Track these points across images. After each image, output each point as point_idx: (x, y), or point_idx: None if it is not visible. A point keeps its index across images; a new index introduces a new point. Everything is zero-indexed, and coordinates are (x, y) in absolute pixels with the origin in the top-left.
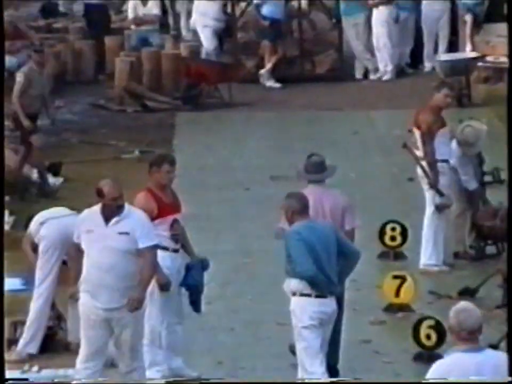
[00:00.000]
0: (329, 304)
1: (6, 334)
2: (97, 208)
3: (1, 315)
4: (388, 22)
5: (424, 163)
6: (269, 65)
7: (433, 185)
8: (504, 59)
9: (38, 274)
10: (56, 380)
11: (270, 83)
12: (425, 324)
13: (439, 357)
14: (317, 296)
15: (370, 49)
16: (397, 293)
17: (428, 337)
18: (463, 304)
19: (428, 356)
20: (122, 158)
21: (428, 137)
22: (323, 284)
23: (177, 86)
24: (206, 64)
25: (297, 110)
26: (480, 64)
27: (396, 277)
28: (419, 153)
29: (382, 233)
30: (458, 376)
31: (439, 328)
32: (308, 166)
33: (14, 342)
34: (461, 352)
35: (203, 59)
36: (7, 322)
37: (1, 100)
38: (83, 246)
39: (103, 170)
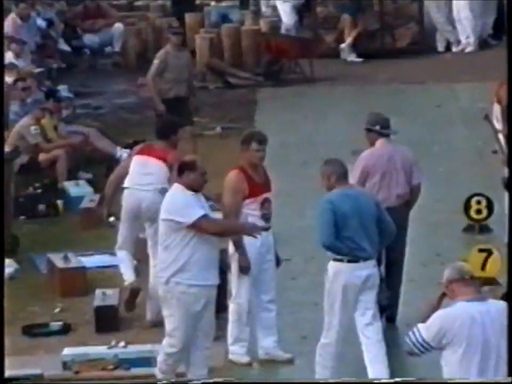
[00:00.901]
0: (364, 268)
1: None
2: (179, 186)
3: (2, 315)
4: None
5: (501, 137)
6: (349, 40)
7: (506, 161)
8: None
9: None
10: (140, 356)
11: (351, 57)
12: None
13: None
14: (348, 261)
15: (451, 21)
16: (483, 267)
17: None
18: (459, 264)
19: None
20: (204, 135)
21: (508, 112)
22: (350, 251)
23: (258, 62)
24: (286, 40)
25: (379, 84)
26: None
27: (481, 250)
28: (499, 126)
29: (467, 206)
30: (462, 324)
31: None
32: (379, 120)
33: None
34: (465, 302)
35: (283, 34)
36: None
37: (1, 99)
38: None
39: (186, 146)
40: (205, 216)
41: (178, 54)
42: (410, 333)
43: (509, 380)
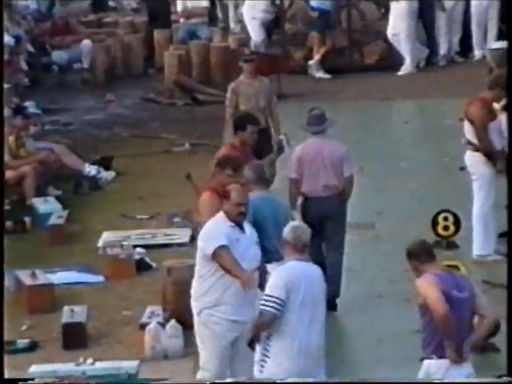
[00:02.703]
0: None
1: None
2: (222, 215)
3: (1, 315)
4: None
5: (476, 153)
6: (317, 56)
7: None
8: None
9: None
10: (109, 373)
11: (319, 74)
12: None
13: (492, 346)
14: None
15: (419, 38)
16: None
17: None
18: (297, 223)
19: (481, 346)
20: (173, 151)
21: (482, 131)
22: (267, 251)
23: (227, 78)
24: (255, 56)
25: (347, 100)
26: None
27: (449, 266)
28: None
29: (434, 223)
30: (295, 280)
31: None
32: (309, 119)
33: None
34: (295, 261)
35: (252, 51)
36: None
37: (1, 99)
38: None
39: (154, 163)
40: (224, 247)
41: (252, 82)
42: (263, 302)
43: (509, 379)
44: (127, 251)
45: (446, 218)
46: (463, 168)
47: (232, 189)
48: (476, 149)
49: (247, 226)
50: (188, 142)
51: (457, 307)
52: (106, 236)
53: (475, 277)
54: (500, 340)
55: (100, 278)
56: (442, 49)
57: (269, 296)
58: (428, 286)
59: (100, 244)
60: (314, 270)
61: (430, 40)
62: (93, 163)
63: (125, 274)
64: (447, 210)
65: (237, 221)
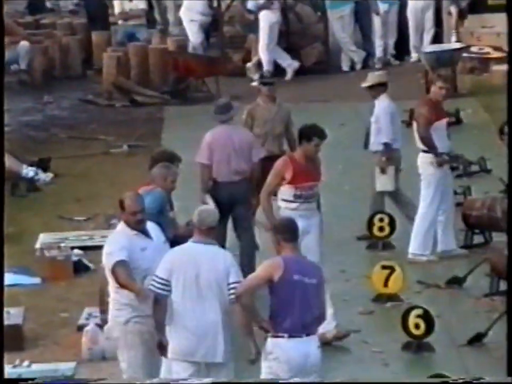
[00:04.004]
0: None
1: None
2: (123, 225)
3: (1, 315)
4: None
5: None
6: (255, 59)
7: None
8: (489, 49)
9: None
10: (45, 375)
11: (257, 76)
12: (414, 313)
13: (428, 346)
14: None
15: (356, 41)
16: (386, 283)
17: (417, 326)
18: (205, 206)
19: (416, 345)
20: (111, 153)
21: (425, 130)
22: None
23: (165, 80)
24: (193, 58)
25: (285, 102)
26: (465, 55)
27: (384, 267)
28: (419, 144)
29: (370, 224)
30: (179, 261)
31: (427, 317)
32: (216, 108)
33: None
34: (190, 242)
35: (190, 53)
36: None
37: (1, 99)
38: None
39: (92, 165)
40: (119, 263)
41: (270, 107)
42: (150, 282)
43: (509, 379)
44: (65, 253)
45: (381, 220)
46: (399, 169)
47: (126, 198)
48: (424, 150)
49: (153, 229)
50: (126, 144)
51: (300, 291)
52: (44, 238)
53: (410, 277)
54: (437, 339)
55: (37, 280)
56: (378, 52)
57: (155, 276)
58: (262, 268)
59: (38, 245)
60: (210, 251)
61: (366, 43)
62: (31, 165)
63: (63, 275)
64: (383, 212)
65: (138, 229)
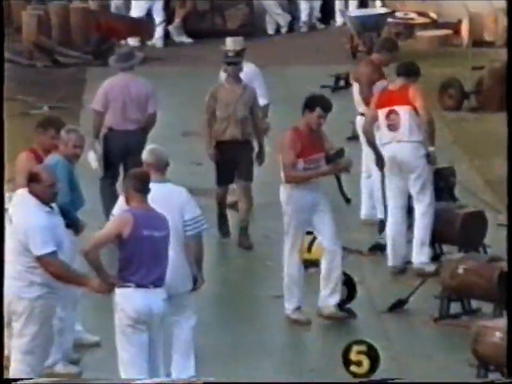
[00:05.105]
0: None
1: None
2: (32, 199)
3: (1, 315)
4: None
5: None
6: (177, 20)
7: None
8: (414, 15)
9: None
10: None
11: (181, 38)
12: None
13: (350, 311)
14: None
15: (281, 4)
16: (309, 249)
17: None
18: (151, 146)
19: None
20: (30, 114)
21: (367, 89)
22: None
23: (87, 40)
24: (116, 19)
25: (209, 65)
26: (390, 20)
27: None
28: (360, 108)
29: None
30: (152, 202)
31: (349, 283)
32: (117, 56)
33: None
34: (152, 183)
35: (113, 13)
36: None
37: (1, 99)
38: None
39: (10, 126)
40: (52, 254)
41: (234, 88)
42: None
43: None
44: None
45: None
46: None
47: (40, 170)
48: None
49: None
50: (47, 105)
51: (149, 245)
52: None
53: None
54: (359, 305)
55: None
56: (304, 15)
57: (111, 215)
58: (111, 224)
59: None
60: (166, 190)
61: (291, 7)
62: None
63: None
64: None
65: (50, 203)
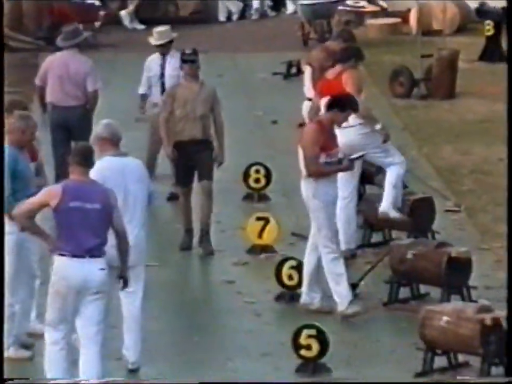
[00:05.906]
0: None
1: None
2: None
3: (1, 315)
4: None
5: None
6: (131, 7)
7: None
8: (364, 3)
9: None
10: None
11: (133, 25)
12: (288, 264)
13: (300, 296)
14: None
15: None
16: (260, 235)
17: (290, 277)
18: (106, 120)
19: (289, 295)
20: None
21: (319, 74)
22: None
23: (40, 26)
24: (69, 5)
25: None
26: (340, 8)
27: (259, 218)
28: (308, 93)
29: (246, 175)
30: (111, 175)
31: (300, 268)
32: (64, 34)
33: None
34: (111, 157)
35: None
36: None
37: (1, 99)
38: None
39: None
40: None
41: (192, 86)
42: None
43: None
44: None
45: (257, 171)
46: (275, 122)
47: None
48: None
49: None
50: None
51: (80, 217)
52: None
53: (284, 229)
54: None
55: None
56: (255, 3)
57: None
58: (40, 194)
59: None
60: (131, 163)
61: None
62: None
63: None
64: (259, 163)
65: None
